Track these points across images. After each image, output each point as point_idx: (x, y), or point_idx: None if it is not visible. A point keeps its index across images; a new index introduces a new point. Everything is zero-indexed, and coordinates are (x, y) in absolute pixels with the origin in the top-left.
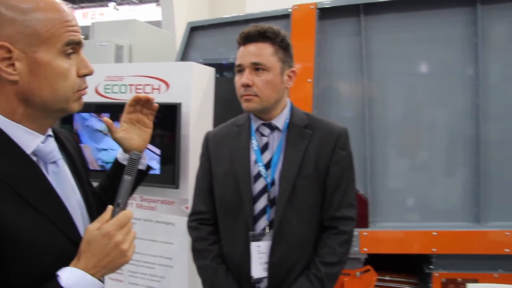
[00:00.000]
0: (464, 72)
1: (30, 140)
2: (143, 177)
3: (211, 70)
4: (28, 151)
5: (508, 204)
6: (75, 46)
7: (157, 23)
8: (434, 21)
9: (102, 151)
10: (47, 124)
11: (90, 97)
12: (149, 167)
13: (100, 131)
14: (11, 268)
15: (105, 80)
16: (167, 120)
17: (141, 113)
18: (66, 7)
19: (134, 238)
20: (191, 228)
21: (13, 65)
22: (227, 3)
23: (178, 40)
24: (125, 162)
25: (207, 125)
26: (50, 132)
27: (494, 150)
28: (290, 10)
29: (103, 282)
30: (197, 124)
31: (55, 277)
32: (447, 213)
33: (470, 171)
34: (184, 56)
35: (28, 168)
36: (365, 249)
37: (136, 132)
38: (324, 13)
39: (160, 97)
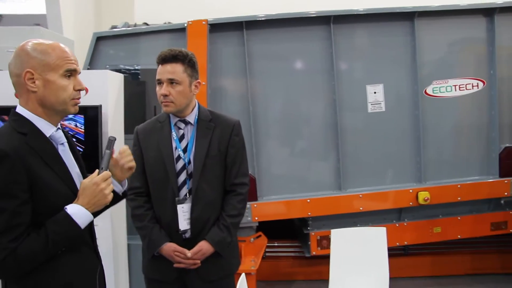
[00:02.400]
0: (325, 74)
1: (48, 129)
2: (118, 200)
3: (121, 76)
4: (47, 135)
5: (360, 174)
6: (72, 72)
7: (35, 17)
8: (300, 36)
9: None
10: (57, 120)
11: (8, 100)
12: (125, 193)
13: None
14: (37, 206)
15: None
16: (89, 119)
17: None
18: (66, 47)
19: (112, 188)
20: (129, 200)
21: (34, 82)
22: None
23: (76, 46)
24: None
25: (120, 122)
26: (59, 126)
27: (348, 134)
28: (186, 25)
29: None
30: (113, 122)
31: (64, 210)
32: (318, 185)
33: (333, 151)
34: (91, 62)
35: (48, 145)
36: (256, 218)
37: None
38: (214, 27)
39: (81, 101)
